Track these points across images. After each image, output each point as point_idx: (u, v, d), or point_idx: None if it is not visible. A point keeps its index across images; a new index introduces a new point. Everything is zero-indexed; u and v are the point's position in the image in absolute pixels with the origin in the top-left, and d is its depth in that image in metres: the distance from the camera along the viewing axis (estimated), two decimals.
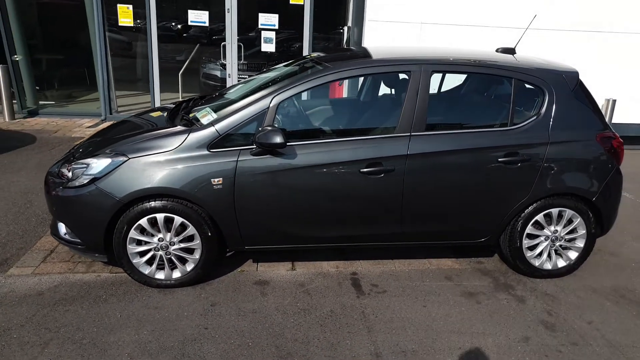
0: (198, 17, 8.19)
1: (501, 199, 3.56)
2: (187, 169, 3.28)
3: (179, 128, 3.47)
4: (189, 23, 8.26)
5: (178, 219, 3.36)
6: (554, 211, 3.64)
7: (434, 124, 3.51)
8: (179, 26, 9.01)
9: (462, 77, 4.13)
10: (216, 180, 3.29)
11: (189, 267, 3.49)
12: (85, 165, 3.35)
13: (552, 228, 3.71)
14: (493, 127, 3.56)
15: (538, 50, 7.00)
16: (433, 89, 3.87)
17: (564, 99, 3.58)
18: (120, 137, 3.58)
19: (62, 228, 3.52)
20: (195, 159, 3.30)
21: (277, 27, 8.24)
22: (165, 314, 3.20)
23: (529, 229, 3.67)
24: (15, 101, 8.74)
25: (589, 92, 3.73)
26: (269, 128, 3.22)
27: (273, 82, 3.69)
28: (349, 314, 3.27)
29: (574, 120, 3.60)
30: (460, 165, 3.46)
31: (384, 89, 3.96)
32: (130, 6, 8.07)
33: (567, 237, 3.74)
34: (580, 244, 3.76)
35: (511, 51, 4.09)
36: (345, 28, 8.53)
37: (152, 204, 3.31)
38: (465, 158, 3.46)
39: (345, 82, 5.25)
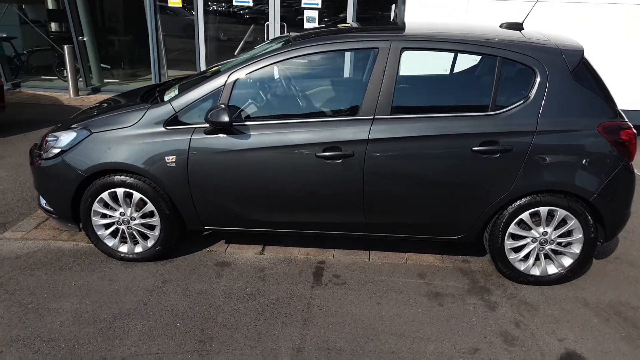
0: None
1: (476, 194, 3.18)
2: (143, 145, 3.28)
3: (140, 105, 3.47)
4: (234, 3, 8.30)
5: (137, 195, 3.38)
6: (543, 210, 3.20)
7: (402, 107, 3.21)
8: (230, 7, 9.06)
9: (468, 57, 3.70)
10: (170, 158, 3.26)
11: (150, 243, 3.52)
12: (55, 138, 3.47)
13: (541, 229, 3.26)
14: (470, 112, 3.17)
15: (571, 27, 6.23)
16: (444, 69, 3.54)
17: (559, 81, 3.09)
18: (99, 112, 3.66)
19: (42, 197, 3.69)
20: (151, 136, 3.29)
21: (319, 5, 8.05)
22: (115, 287, 3.25)
23: (513, 229, 3.26)
24: (80, 79, 9.40)
25: (596, 74, 3.21)
26: (220, 106, 3.11)
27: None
28: (294, 303, 3.11)
29: (572, 106, 3.11)
30: (428, 154, 3.14)
31: (360, 68, 3.67)
32: None
33: (559, 240, 3.27)
34: (577, 249, 3.28)
35: (518, 26, 3.62)
36: (393, 6, 8.14)
37: (112, 178, 3.35)
38: (434, 146, 3.13)
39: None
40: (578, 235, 3.24)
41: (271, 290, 3.26)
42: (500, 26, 3.68)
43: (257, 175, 3.24)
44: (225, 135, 3.22)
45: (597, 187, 3.11)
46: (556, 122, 3.08)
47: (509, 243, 3.29)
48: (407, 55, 3.16)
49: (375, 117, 3.15)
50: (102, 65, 9.91)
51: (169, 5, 8.41)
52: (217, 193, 3.32)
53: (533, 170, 3.10)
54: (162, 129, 3.29)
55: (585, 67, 3.16)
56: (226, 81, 3.23)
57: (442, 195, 3.20)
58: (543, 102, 3.08)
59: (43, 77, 10.05)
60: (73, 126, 3.48)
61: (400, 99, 3.22)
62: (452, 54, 3.57)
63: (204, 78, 3.45)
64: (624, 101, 4.25)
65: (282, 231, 3.47)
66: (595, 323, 3.01)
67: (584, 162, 3.10)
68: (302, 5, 8.11)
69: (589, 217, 3.18)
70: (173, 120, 3.29)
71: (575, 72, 3.10)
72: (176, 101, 3.31)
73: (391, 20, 8.17)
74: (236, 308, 3.06)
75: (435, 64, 3.62)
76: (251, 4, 8.29)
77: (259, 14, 8.58)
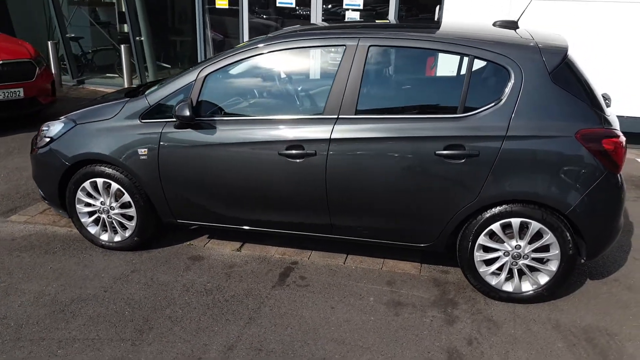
0: None
1: (442, 200, 3.00)
2: (119, 137, 3.41)
3: (121, 98, 3.60)
4: (277, 4, 8.41)
5: (115, 185, 3.52)
6: (515, 222, 2.95)
7: (368, 107, 3.09)
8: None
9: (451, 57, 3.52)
10: (142, 150, 3.36)
11: (127, 233, 3.64)
12: (47, 128, 3.69)
13: (514, 242, 3.01)
14: (439, 114, 2.99)
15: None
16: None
17: (536, 82, 2.85)
18: (88, 104, 3.85)
19: (36, 184, 3.94)
20: (127, 129, 3.41)
21: (361, 7, 7.96)
22: (86, 273, 3.40)
23: (483, 240, 3.04)
24: (135, 76, 9.93)
25: (580, 75, 2.92)
26: (185, 101, 3.17)
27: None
28: (246, 302, 3.10)
29: (548, 110, 2.85)
30: (392, 156, 3.00)
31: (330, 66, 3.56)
32: None
33: (534, 255, 3.01)
34: (553, 267, 3.00)
35: (512, 25, 3.39)
36: (437, 7, 7.88)
37: (93, 168, 3.51)
38: (397, 148, 2.99)
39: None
40: (555, 251, 2.96)
41: (231, 287, 3.27)
42: (494, 24, 3.46)
43: (222, 170, 3.26)
44: (192, 130, 3.27)
45: (575, 200, 2.83)
46: (529, 127, 2.83)
47: (478, 255, 3.08)
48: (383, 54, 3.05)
49: (340, 116, 3.07)
50: (162, 64, 10.41)
51: (226, 6, 8.65)
52: (185, 187, 3.38)
53: (503, 177, 2.87)
54: (138, 122, 3.40)
55: (567, 68, 2.88)
56: (197, 76, 3.28)
57: (406, 200, 3.05)
58: (516, 105, 2.85)
59: (107, 74, 10.73)
60: (62, 117, 3.68)
61: (367, 98, 3.11)
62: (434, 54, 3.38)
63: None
64: None
65: (248, 229, 3.46)
66: (557, 348, 2.73)
67: (560, 171, 2.83)
68: (344, 7, 8.06)
69: (566, 232, 2.89)
70: (148, 114, 3.39)
71: (554, 73, 2.84)
72: (151, 95, 3.41)
73: (435, 19, 7.91)
74: (189, 302, 3.10)
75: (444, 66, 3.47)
76: (294, 5, 8.35)
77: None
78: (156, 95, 3.40)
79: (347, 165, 3.06)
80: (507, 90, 2.87)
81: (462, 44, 2.95)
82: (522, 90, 2.85)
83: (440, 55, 3.04)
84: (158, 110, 3.37)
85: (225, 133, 3.22)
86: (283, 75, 3.55)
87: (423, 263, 3.61)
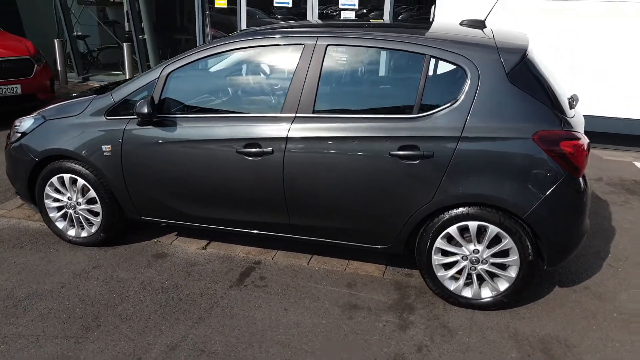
0: None
1: (397, 201, 2.93)
2: (85, 134, 3.42)
3: (88, 95, 3.61)
4: (274, 4, 8.39)
5: (81, 181, 3.53)
6: (472, 225, 2.87)
7: (325, 106, 3.04)
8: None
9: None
10: (106, 147, 3.37)
11: (93, 229, 3.65)
12: (19, 124, 3.72)
13: (471, 247, 2.93)
14: (395, 114, 2.92)
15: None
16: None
17: (492, 82, 2.76)
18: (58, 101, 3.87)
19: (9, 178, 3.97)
20: (93, 125, 3.42)
21: (356, 7, 7.90)
22: (49, 268, 3.41)
23: (440, 243, 2.96)
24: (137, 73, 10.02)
25: (541, 75, 2.82)
26: (145, 98, 3.16)
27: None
28: (199, 302, 3.07)
29: (505, 111, 2.76)
30: (347, 156, 2.94)
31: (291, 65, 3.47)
32: None
33: (493, 261, 2.92)
34: (513, 273, 2.90)
35: (479, 24, 3.30)
36: (432, 7, 7.77)
37: (60, 164, 3.52)
38: (353, 148, 2.93)
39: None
40: (514, 256, 2.86)
41: (188, 285, 3.24)
42: (461, 23, 3.38)
43: (183, 168, 3.25)
44: (153, 127, 3.25)
45: (533, 203, 2.73)
46: (485, 128, 2.75)
47: (437, 258, 3.00)
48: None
49: (297, 115, 3.02)
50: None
51: (225, 6, 8.67)
52: (147, 184, 3.37)
53: (458, 179, 2.79)
54: (103, 119, 3.40)
55: (526, 68, 2.78)
56: (160, 74, 3.27)
57: (363, 201, 2.99)
58: (472, 106, 2.77)
59: (111, 72, 10.85)
60: (34, 113, 3.71)
61: (325, 97, 3.05)
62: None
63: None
64: None
65: (209, 227, 3.43)
66: (511, 358, 2.64)
67: (517, 174, 2.73)
68: (340, 6, 8.00)
69: (525, 237, 2.80)
70: (112, 111, 3.39)
71: (512, 73, 2.75)
72: (116, 92, 3.41)
73: (430, 19, 7.80)
74: (142, 299, 3.08)
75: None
76: (290, 5, 8.32)
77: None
78: (121, 92, 3.40)
79: (303, 164, 3.01)
80: (464, 90, 2.79)
81: (418, 44, 2.88)
82: (478, 90, 2.76)
83: (404, 54, 2.95)
84: (123, 107, 3.37)
85: (186, 130, 3.20)
86: (243, 74, 3.52)
87: (389, 265, 3.53)
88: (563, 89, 3.08)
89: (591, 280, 3.39)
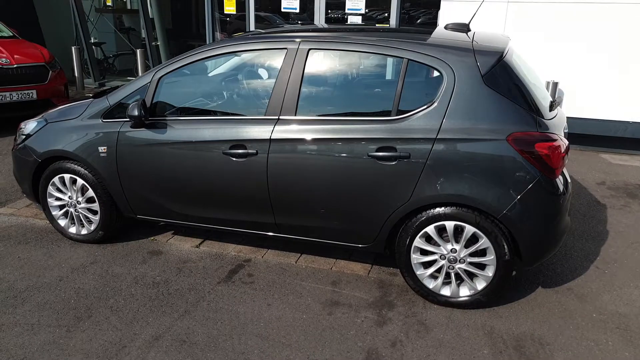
0: (290, 4, 8.44)
1: (376, 201, 3.02)
2: (83, 136, 3.59)
3: (88, 99, 3.78)
4: (282, 9, 8.56)
5: (80, 181, 3.70)
6: (449, 225, 2.94)
7: (307, 109, 3.15)
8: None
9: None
10: (102, 148, 3.53)
11: (93, 227, 3.82)
12: (24, 126, 3.92)
13: (449, 246, 3.00)
14: (374, 116, 3.02)
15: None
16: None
17: (468, 85, 2.83)
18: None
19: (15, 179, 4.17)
20: (90, 127, 3.58)
21: (363, 11, 8.02)
22: (49, 263, 3.58)
23: (419, 242, 3.04)
24: None
25: (517, 78, 2.88)
26: (137, 101, 3.31)
27: None
28: (187, 296, 3.20)
29: (480, 113, 2.82)
30: (328, 157, 3.04)
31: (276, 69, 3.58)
32: None
33: (471, 260, 2.98)
34: (490, 272, 2.96)
35: (463, 28, 3.38)
36: (439, 11, 7.83)
37: (61, 164, 3.70)
38: (334, 149, 3.03)
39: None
40: (490, 256, 2.92)
41: (178, 281, 3.38)
42: (445, 27, 3.45)
43: (173, 169, 3.38)
44: (146, 129, 3.40)
45: (507, 204, 2.79)
46: (460, 129, 2.82)
47: (416, 257, 3.07)
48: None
49: (280, 117, 3.14)
50: None
51: (234, 12, 8.87)
52: (141, 184, 3.52)
53: (434, 180, 2.87)
54: (100, 121, 3.56)
55: (502, 71, 2.85)
56: (152, 78, 3.42)
57: (343, 201, 3.08)
58: (448, 108, 2.84)
59: (127, 77, 11.15)
60: (38, 116, 3.90)
61: (307, 100, 3.16)
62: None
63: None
64: None
65: (200, 226, 3.57)
66: (482, 354, 2.70)
67: (492, 174, 2.80)
68: (346, 11, 8.12)
69: (501, 237, 2.86)
70: (109, 114, 3.55)
71: (487, 75, 2.82)
72: (112, 96, 3.58)
73: (438, 22, 7.86)
74: (133, 293, 3.22)
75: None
76: (298, 10, 8.48)
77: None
78: (116, 95, 3.56)
79: (286, 165, 3.12)
80: (440, 92, 2.87)
81: (397, 47, 2.97)
82: (454, 92, 2.84)
83: (383, 57, 3.04)
84: (118, 110, 3.53)
85: (176, 132, 3.34)
86: (230, 77, 3.65)
87: (375, 265, 3.61)
88: (542, 91, 3.13)
89: (575, 282, 3.41)
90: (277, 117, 3.14)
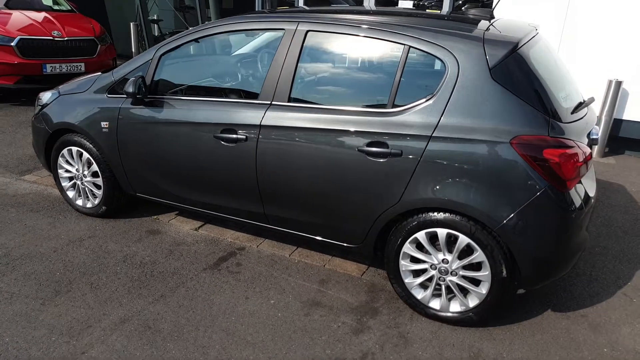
0: None
1: (364, 199, 2.78)
2: (88, 110, 3.59)
3: (97, 73, 3.77)
4: None
5: (85, 155, 3.72)
6: (441, 232, 2.66)
7: (301, 95, 2.95)
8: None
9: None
10: (104, 123, 3.51)
11: (97, 201, 3.84)
12: (41, 96, 3.99)
13: (440, 256, 2.72)
14: (368, 107, 2.76)
15: None
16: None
17: (473, 78, 2.52)
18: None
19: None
20: (96, 102, 3.58)
21: None
22: (51, 233, 3.64)
23: (408, 248, 2.78)
24: None
25: (532, 73, 2.52)
26: (135, 78, 3.25)
27: None
28: (168, 280, 3.13)
29: (483, 110, 2.50)
30: (317, 148, 2.84)
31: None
32: None
33: (464, 274, 2.69)
34: (484, 289, 2.66)
35: (487, 15, 3.04)
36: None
37: (69, 137, 3.74)
38: (322, 140, 2.81)
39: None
40: (485, 271, 2.62)
41: (166, 264, 3.31)
42: (467, 14, 3.11)
43: (167, 148, 3.31)
44: (144, 107, 3.34)
45: (506, 216, 2.47)
46: (459, 128, 2.52)
47: (404, 264, 2.82)
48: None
49: (273, 102, 2.96)
50: None
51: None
52: (138, 161, 3.47)
53: (426, 182, 2.59)
54: (105, 96, 3.55)
55: (514, 64, 2.50)
56: (153, 55, 3.35)
57: (331, 196, 2.87)
58: (448, 103, 2.55)
59: None
60: (54, 88, 3.95)
61: (301, 86, 2.96)
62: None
63: None
64: None
65: (189, 208, 3.48)
66: None
67: (491, 181, 2.48)
68: None
69: (498, 251, 2.54)
70: (113, 89, 3.52)
71: (496, 68, 2.49)
72: (117, 71, 3.54)
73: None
74: (118, 272, 3.19)
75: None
76: None
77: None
78: (121, 71, 3.52)
79: (274, 153, 2.95)
80: (441, 85, 2.57)
81: (398, 33, 2.69)
82: (456, 86, 2.53)
83: (383, 43, 2.76)
84: (121, 86, 3.48)
85: (171, 112, 3.25)
86: (228, 57, 3.50)
87: (372, 267, 3.39)
88: (569, 90, 2.75)
89: (593, 308, 3.02)
90: (269, 103, 2.96)
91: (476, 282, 2.69)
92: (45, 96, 3.92)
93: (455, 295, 2.76)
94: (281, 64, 2.92)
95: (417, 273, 2.83)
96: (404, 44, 2.66)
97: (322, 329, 2.74)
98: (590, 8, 5.81)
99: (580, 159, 2.48)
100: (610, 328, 2.85)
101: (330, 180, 2.82)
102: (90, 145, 3.64)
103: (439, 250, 2.72)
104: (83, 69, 7.23)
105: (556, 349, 2.66)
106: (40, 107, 3.93)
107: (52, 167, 3.94)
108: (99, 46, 7.42)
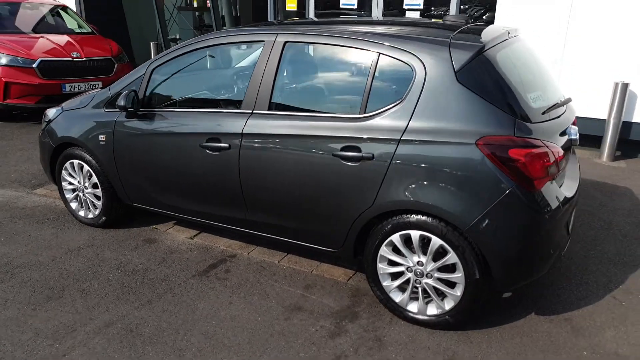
0: (348, 0, 8.30)
1: (341, 203, 2.83)
2: (87, 124, 3.77)
3: (97, 90, 3.95)
4: (341, 6, 8.44)
5: (86, 167, 3.89)
6: (414, 234, 2.68)
7: (281, 103, 3.03)
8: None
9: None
10: (102, 136, 3.67)
11: (97, 212, 3.99)
12: (47, 113, 4.20)
13: (415, 258, 2.73)
14: (342, 113, 2.82)
15: None
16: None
17: (439, 82, 2.55)
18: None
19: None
20: (94, 116, 3.75)
21: (422, 6, 7.67)
22: (52, 243, 3.80)
23: (385, 251, 2.80)
24: None
25: (499, 75, 2.54)
26: (127, 92, 3.40)
27: None
28: (157, 286, 3.23)
29: (450, 113, 2.53)
30: (295, 154, 2.91)
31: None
32: None
33: (439, 276, 2.69)
34: (458, 291, 2.66)
35: (462, 20, 3.08)
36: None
37: (71, 150, 3.92)
38: (301, 146, 2.88)
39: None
40: (459, 273, 2.62)
41: (157, 271, 3.42)
42: (444, 20, 3.16)
43: (158, 159, 3.43)
44: (137, 120, 3.48)
45: (474, 216, 2.47)
46: (427, 131, 2.55)
47: (382, 267, 2.84)
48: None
49: (254, 111, 3.05)
50: None
51: (295, 9, 8.93)
52: (133, 172, 3.61)
53: (397, 184, 2.62)
54: (102, 110, 3.71)
55: (480, 66, 2.52)
56: (146, 69, 3.49)
57: (310, 201, 2.93)
58: (416, 106, 2.58)
59: None
60: (60, 104, 4.15)
61: (280, 94, 3.04)
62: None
63: None
64: None
65: (182, 217, 3.58)
66: None
67: (459, 182, 2.50)
68: (404, 7, 7.82)
69: (469, 253, 2.55)
70: (110, 103, 3.69)
71: (461, 71, 2.51)
72: (114, 86, 3.70)
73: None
74: (110, 278, 3.31)
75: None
76: (356, 6, 8.31)
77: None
78: (117, 86, 3.68)
79: (256, 160, 3.03)
80: (409, 89, 2.61)
81: (370, 40, 2.75)
82: (424, 89, 2.57)
83: (355, 51, 2.83)
84: (115, 100, 3.64)
85: (161, 123, 3.38)
86: (213, 70, 3.61)
87: (359, 272, 3.41)
88: (545, 91, 2.76)
89: (579, 312, 2.97)
90: (250, 111, 3.05)
91: (452, 284, 2.69)
92: (51, 112, 4.12)
93: (432, 299, 2.76)
94: (261, 74, 3.02)
95: (394, 276, 2.84)
96: (375, 52, 2.72)
97: (299, 333, 2.77)
98: (593, 9, 5.74)
99: (551, 159, 2.47)
100: (594, 331, 2.79)
101: (309, 185, 2.88)
102: (90, 158, 3.80)
103: (414, 252, 2.73)
104: (100, 87, 7.52)
105: (534, 352, 2.62)
106: (46, 122, 4.12)
107: (57, 180, 4.12)
108: (116, 65, 7.72)
